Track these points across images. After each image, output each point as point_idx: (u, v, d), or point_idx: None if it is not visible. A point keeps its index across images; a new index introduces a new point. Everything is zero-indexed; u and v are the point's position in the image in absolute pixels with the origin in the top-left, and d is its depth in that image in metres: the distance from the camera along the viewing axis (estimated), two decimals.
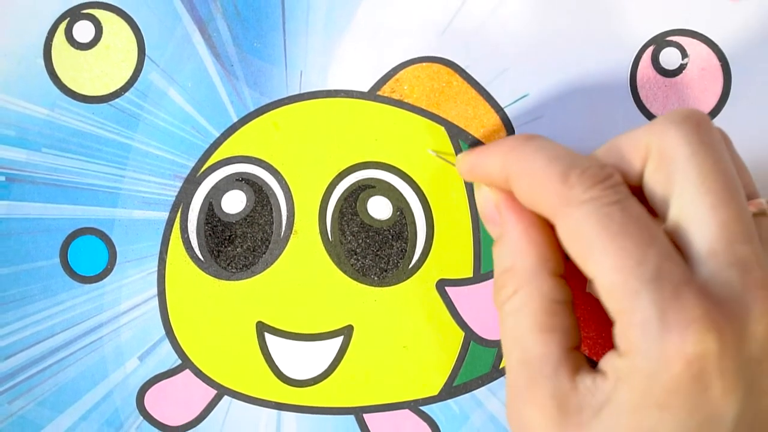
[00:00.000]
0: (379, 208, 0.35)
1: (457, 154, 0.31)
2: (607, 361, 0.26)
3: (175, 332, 0.35)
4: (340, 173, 0.35)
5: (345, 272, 0.35)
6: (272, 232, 0.35)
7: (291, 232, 0.35)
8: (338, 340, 0.35)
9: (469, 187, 0.34)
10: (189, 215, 0.35)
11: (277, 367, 0.35)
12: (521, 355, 0.27)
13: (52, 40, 0.35)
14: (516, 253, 0.28)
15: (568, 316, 0.27)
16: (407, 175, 0.35)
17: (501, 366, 0.34)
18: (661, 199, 0.26)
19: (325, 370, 0.35)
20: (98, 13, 0.35)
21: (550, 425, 0.25)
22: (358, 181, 0.35)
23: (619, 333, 0.25)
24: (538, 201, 0.27)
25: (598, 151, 0.28)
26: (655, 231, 0.25)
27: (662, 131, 0.26)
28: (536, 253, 0.27)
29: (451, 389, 0.34)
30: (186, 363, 0.35)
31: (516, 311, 0.27)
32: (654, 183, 0.26)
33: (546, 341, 0.27)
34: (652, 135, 0.26)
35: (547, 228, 0.28)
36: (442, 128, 0.35)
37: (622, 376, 0.25)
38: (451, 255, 0.34)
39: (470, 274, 0.34)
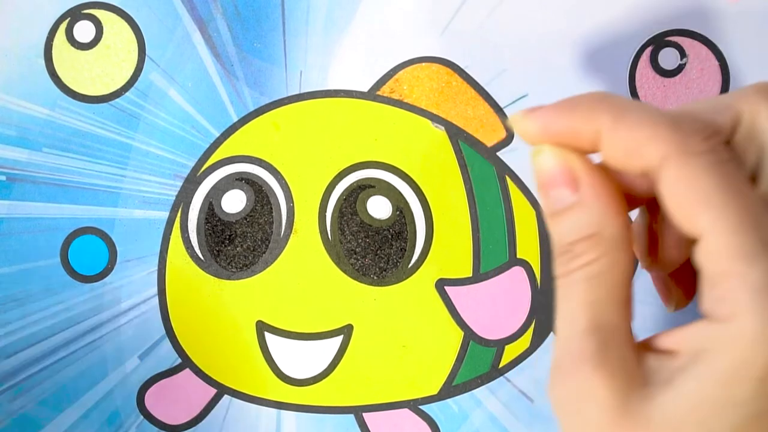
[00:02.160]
0: (379, 208, 0.35)
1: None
2: (680, 336, 0.25)
3: (175, 331, 0.35)
4: (339, 173, 0.35)
5: (345, 272, 0.35)
6: (272, 231, 0.35)
7: (291, 232, 0.35)
8: (338, 340, 0.35)
9: (469, 187, 0.34)
10: (189, 215, 0.35)
11: (276, 366, 0.35)
12: (593, 321, 0.25)
13: (52, 40, 0.35)
14: (602, 220, 0.26)
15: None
16: (407, 175, 0.35)
17: (500, 366, 0.34)
18: (752, 167, 0.25)
19: (325, 370, 0.35)
20: (99, 13, 0.35)
21: (616, 395, 0.24)
22: (358, 181, 0.35)
23: (719, 298, 0.24)
24: (641, 151, 0.25)
25: (672, 112, 0.27)
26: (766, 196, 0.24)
27: (756, 102, 0.26)
28: (622, 222, 0.26)
29: (450, 389, 0.35)
30: (186, 362, 0.35)
31: (594, 277, 0.26)
32: (743, 150, 0.26)
33: (621, 310, 0.26)
34: (744, 104, 0.26)
35: (624, 198, 0.27)
36: (442, 128, 0.35)
37: (716, 345, 0.24)
38: (450, 255, 0.34)
39: (469, 274, 0.34)
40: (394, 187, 0.35)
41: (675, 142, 0.24)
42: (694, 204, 0.24)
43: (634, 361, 0.25)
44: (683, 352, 0.25)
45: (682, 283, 0.30)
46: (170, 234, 0.35)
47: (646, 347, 0.26)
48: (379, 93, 0.35)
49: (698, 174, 0.24)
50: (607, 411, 0.25)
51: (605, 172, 0.27)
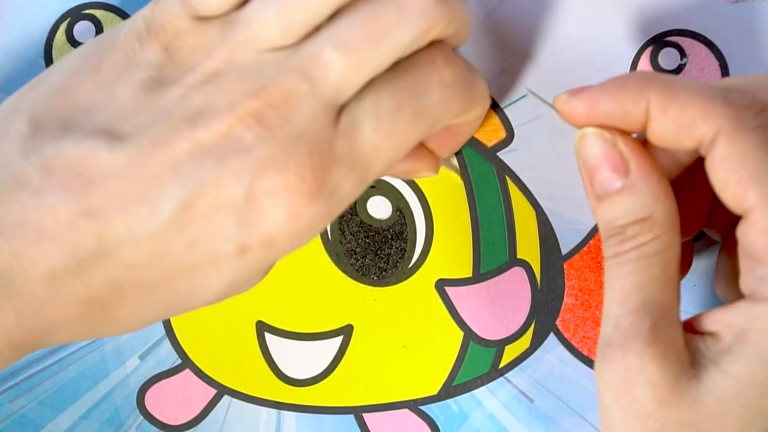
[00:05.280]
0: (379, 208, 0.35)
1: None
2: (721, 317, 0.25)
3: (175, 332, 0.35)
4: None
5: (344, 272, 0.35)
6: None
7: None
8: (338, 340, 0.35)
9: (469, 188, 0.34)
10: None
11: (276, 366, 0.35)
12: (646, 300, 0.25)
13: (53, 41, 0.35)
14: (656, 202, 0.26)
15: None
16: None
17: (500, 366, 0.34)
18: None
19: (325, 370, 0.35)
20: (99, 13, 0.35)
21: (666, 375, 0.25)
22: None
23: (763, 277, 0.24)
24: (693, 127, 0.25)
25: (719, 86, 0.27)
26: None
27: None
28: (672, 204, 0.26)
29: (450, 389, 0.34)
30: (186, 362, 0.35)
31: (648, 257, 0.25)
32: None
33: (672, 291, 0.26)
34: None
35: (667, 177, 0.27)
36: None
37: (759, 325, 0.24)
38: (450, 255, 0.34)
39: (470, 274, 0.34)
40: (394, 187, 0.34)
41: (728, 116, 0.24)
42: (745, 180, 0.24)
43: (682, 342, 0.25)
44: (726, 332, 0.25)
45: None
46: None
47: (688, 328, 0.26)
48: None
49: (750, 149, 0.24)
50: (657, 390, 0.25)
51: (649, 152, 0.27)
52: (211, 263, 0.25)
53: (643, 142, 0.27)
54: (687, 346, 0.25)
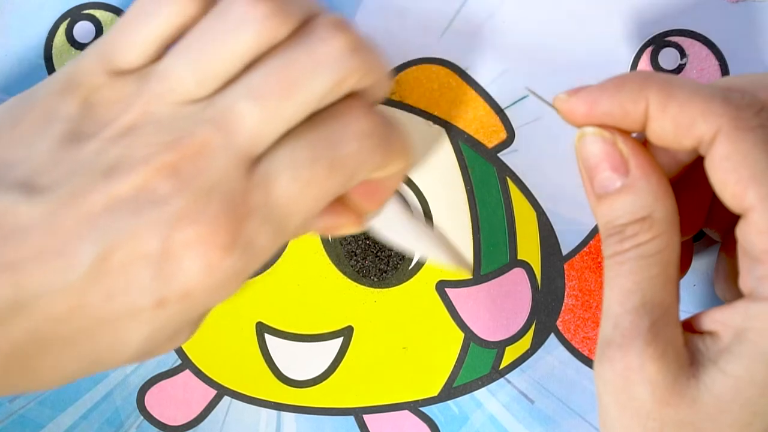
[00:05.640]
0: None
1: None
2: (720, 316, 0.25)
3: None
4: None
5: (345, 273, 0.35)
6: None
7: None
8: (338, 341, 0.35)
9: (470, 189, 0.34)
10: None
11: (276, 367, 0.35)
12: (645, 299, 0.25)
13: (53, 41, 0.35)
14: (655, 202, 0.26)
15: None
16: (407, 177, 0.34)
17: (500, 367, 0.34)
18: None
19: (325, 371, 0.35)
20: (99, 13, 0.35)
21: (666, 374, 0.25)
22: None
23: (763, 276, 0.24)
24: (693, 127, 0.25)
25: (719, 85, 0.27)
26: None
27: None
28: (671, 203, 0.26)
29: (450, 390, 0.34)
30: (186, 363, 0.35)
31: (647, 257, 0.26)
32: None
33: (672, 290, 0.26)
34: None
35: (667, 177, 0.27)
36: (442, 129, 0.35)
37: (758, 324, 0.24)
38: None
39: (470, 276, 0.34)
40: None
41: (728, 116, 0.24)
42: (744, 179, 0.24)
43: (681, 341, 0.25)
44: (725, 332, 0.25)
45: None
46: None
47: (687, 327, 0.26)
48: None
49: (749, 149, 0.24)
50: (657, 389, 0.25)
51: (649, 151, 0.27)
52: (129, 317, 0.24)
53: (642, 142, 0.27)
54: (686, 345, 0.25)
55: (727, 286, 0.30)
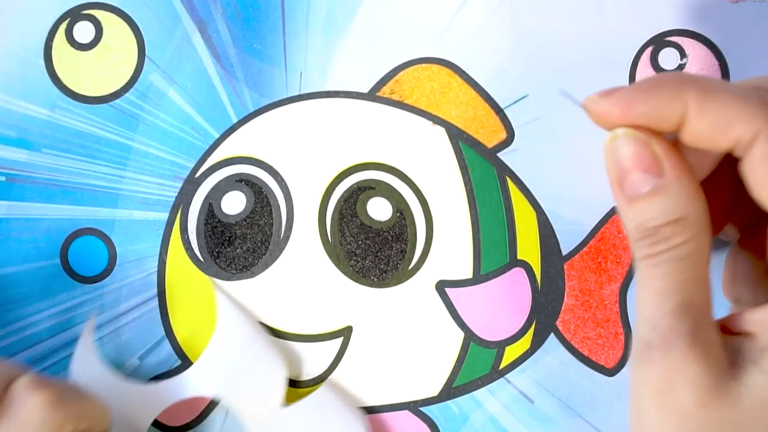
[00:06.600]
0: (379, 210, 0.35)
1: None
2: (756, 317, 0.25)
3: (174, 333, 0.35)
4: (339, 174, 0.35)
5: (344, 273, 0.35)
6: (272, 233, 0.35)
7: (290, 234, 0.35)
8: (338, 341, 0.35)
9: (469, 188, 0.34)
10: (189, 216, 0.35)
11: None
12: (683, 300, 0.25)
13: (52, 41, 0.35)
14: (688, 203, 0.25)
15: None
16: (407, 177, 0.35)
17: (500, 367, 0.34)
18: None
19: (325, 371, 0.35)
20: (98, 13, 0.35)
21: (708, 375, 0.24)
22: (358, 183, 0.35)
23: None
24: (730, 129, 0.25)
25: (753, 86, 0.26)
26: None
27: None
28: (704, 204, 0.26)
29: (450, 390, 0.34)
30: (186, 363, 0.35)
31: (683, 258, 0.25)
32: None
33: (706, 292, 0.26)
34: None
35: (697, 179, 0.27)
36: (443, 129, 0.35)
37: None
38: (450, 256, 0.34)
39: (470, 275, 0.34)
40: (395, 189, 0.34)
41: (767, 117, 0.24)
42: None
43: (720, 342, 0.25)
44: (763, 332, 0.25)
45: None
46: (170, 235, 0.35)
47: (723, 329, 0.26)
48: (379, 94, 0.35)
49: None
50: (699, 391, 0.24)
51: (681, 152, 0.26)
52: None
53: (673, 143, 0.27)
54: (724, 346, 0.25)
55: (738, 287, 0.30)
